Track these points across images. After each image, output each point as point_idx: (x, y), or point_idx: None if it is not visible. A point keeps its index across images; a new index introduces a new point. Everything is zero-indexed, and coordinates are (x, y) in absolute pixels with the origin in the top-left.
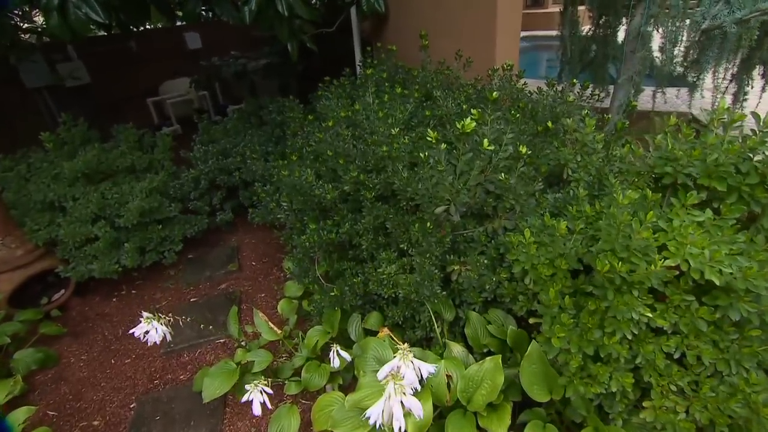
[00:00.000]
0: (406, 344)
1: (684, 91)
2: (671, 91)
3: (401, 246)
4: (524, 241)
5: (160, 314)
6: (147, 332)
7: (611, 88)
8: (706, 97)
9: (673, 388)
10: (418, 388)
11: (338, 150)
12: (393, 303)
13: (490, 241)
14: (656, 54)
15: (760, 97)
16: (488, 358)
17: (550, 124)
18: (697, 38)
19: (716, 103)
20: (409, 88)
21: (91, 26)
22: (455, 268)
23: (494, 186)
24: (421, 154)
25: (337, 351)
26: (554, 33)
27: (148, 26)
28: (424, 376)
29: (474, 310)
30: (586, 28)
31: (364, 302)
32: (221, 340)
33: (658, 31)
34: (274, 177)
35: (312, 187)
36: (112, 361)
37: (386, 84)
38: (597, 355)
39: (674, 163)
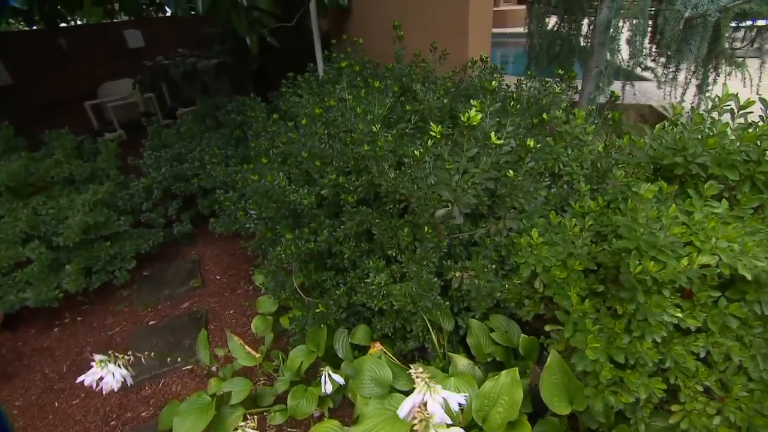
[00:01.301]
0: (420, 368)
1: (639, 85)
2: (624, 84)
3: (389, 252)
4: (532, 242)
5: (116, 354)
6: (101, 378)
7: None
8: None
9: (700, 388)
10: (449, 422)
11: (314, 151)
12: (380, 313)
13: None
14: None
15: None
16: (504, 372)
17: (545, 116)
18: (679, 27)
19: (674, 97)
20: (381, 82)
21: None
22: (456, 274)
23: (500, 184)
24: (415, 152)
25: (329, 374)
26: (508, 30)
27: (79, 21)
28: (454, 408)
29: (474, 317)
30: (552, 22)
31: (348, 314)
32: (188, 367)
33: (625, 24)
34: (239, 183)
35: (285, 193)
36: (56, 404)
37: (358, 78)
38: (624, 361)
39: (684, 153)
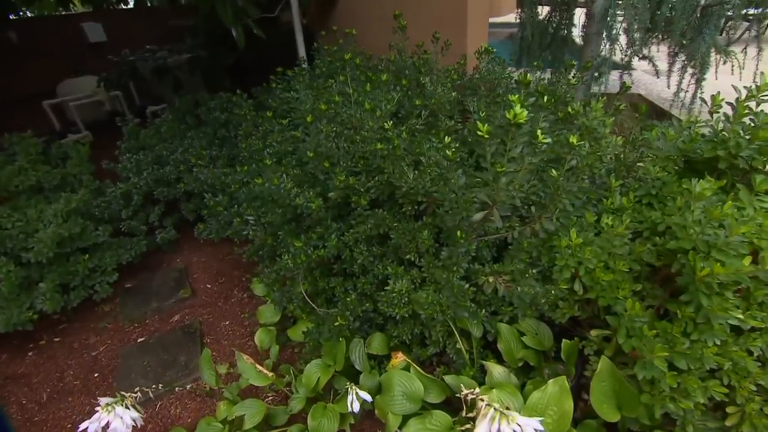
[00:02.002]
0: (477, 390)
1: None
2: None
3: (408, 257)
4: (571, 243)
5: (123, 393)
6: (107, 425)
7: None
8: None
9: (753, 387)
10: None
11: (320, 150)
12: (396, 320)
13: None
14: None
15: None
16: (551, 381)
17: (571, 109)
18: (696, 16)
19: (674, 87)
20: (387, 75)
21: None
22: (489, 279)
23: (543, 185)
24: (448, 152)
25: (357, 392)
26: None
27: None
28: None
29: (502, 321)
30: (544, 12)
31: (360, 322)
32: (187, 386)
33: (621, 13)
34: (231, 186)
35: (291, 196)
36: None
37: (358, 72)
38: (686, 367)
39: (726, 146)
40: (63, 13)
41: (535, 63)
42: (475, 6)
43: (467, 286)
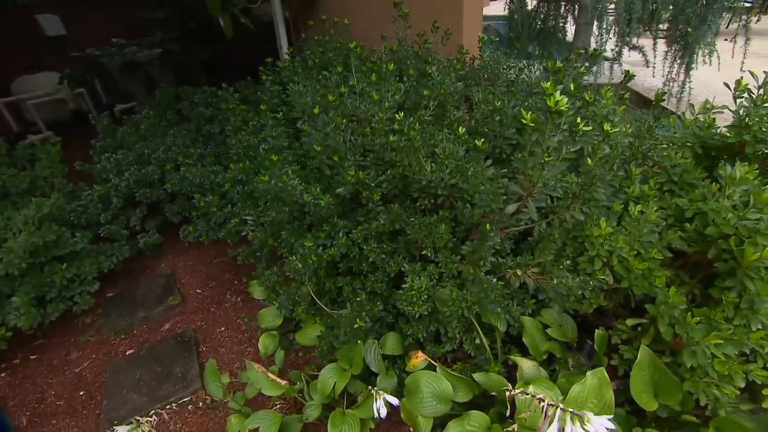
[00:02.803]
0: (531, 389)
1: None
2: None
3: (423, 252)
4: (602, 232)
5: (138, 419)
6: None
7: None
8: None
9: None
10: None
11: (329, 144)
12: (406, 317)
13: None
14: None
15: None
16: (590, 374)
17: (587, 96)
18: (703, 3)
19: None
20: (393, 65)
21: None
22: (518, 272)
23: (578, 174)
24: (477, 142)
25: (384, 398)
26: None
27: None
28: None
29: (525, 314)
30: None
31: (372, 321)
32: (185, 399)
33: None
34: (224, 185)
35: (298, 194)
36: None
37: (358, 62)
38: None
39: (751, 131)
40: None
41: (537, 53)
42: None
43: (494, 280)
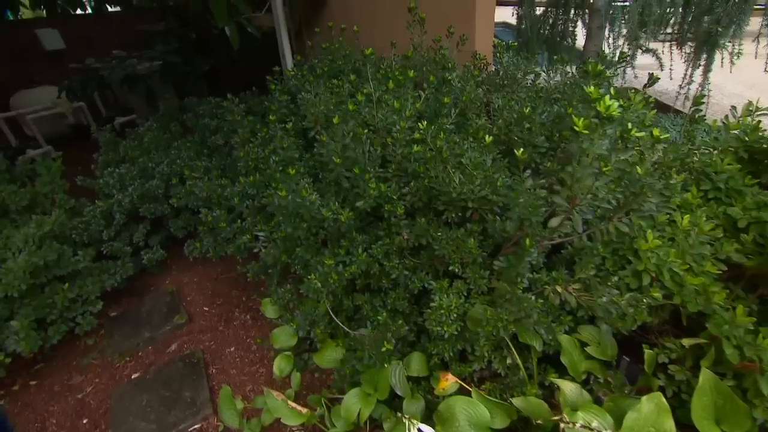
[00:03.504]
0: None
1: None
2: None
3: (451, 268)
4: (649, 245)
5: None
6: None
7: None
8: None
9: None
10: None
11: (349, 155)
12: (428, 335)
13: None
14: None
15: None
16: (646, 398)
17: (623, 101)
18: (735, 1)
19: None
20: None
21: None
22: (557, 289)
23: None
24: (517, 152)
25: (419, 428)
26: None
27: None
28: None
29: (563, 331)
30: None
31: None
32: (196, 426)
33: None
34: (233, 199)
35: (317, 209)
36: None
37: (376, 70)
38: None
39: None
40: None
41: (556, 57)
42: (483, 2)
43: (532, 298)
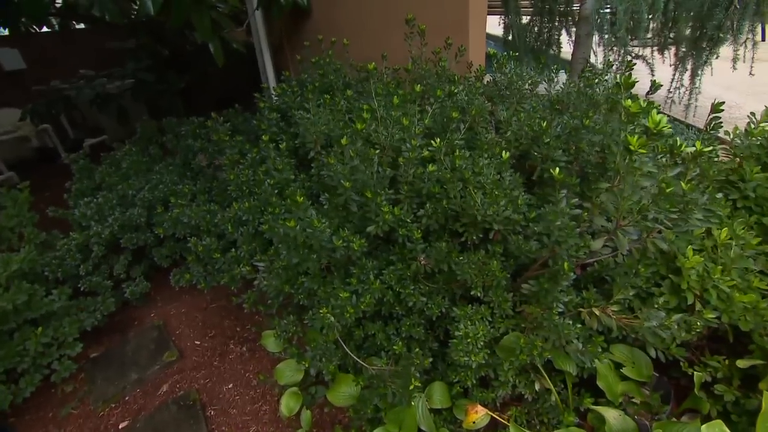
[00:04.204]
0: None
1: None
2: None
3: (473, 293)
4: (691, 261)
5: None
6: None
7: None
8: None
9: None
10: None
11: (360, 178)
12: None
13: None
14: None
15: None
16: (705, 427)
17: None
18: (735, 7)
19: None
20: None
21: None
22: (594, 312)
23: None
24: (552, 170)
25: None
26: None
27: None
28: None
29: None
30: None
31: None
32: None
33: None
34: (227, 226)
35: (326, 237)
36: None
37: (373, 85)
38: None
39: None
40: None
41: (556, 66)
42: (476, 11)
43: (569, 322)
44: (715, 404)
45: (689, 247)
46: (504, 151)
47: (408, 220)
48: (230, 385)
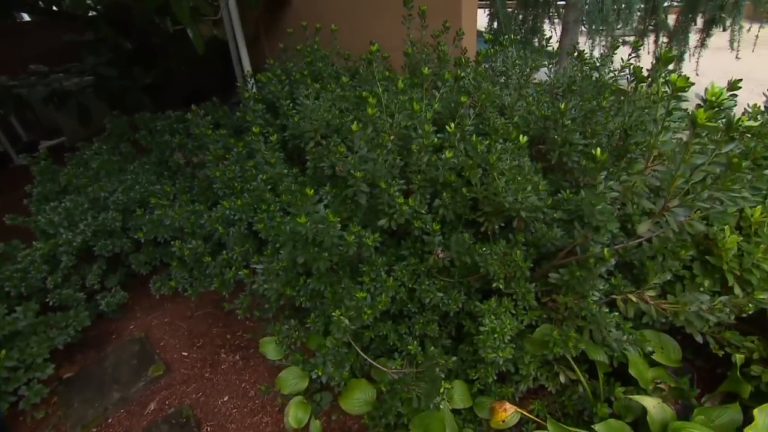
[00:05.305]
0: None
1: None
2: None
3: (495, 285)
4: (730, 242)
5: None
6: None
7: None
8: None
9: None
10: None
11: (367, 168)
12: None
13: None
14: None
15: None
16: (758, 410)
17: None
18: None
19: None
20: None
21: None
22: (631, 298)
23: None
24: (594, 152)
25: None
26: None
27: None
28: None
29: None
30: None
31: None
32: None
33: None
34: (217, 227)
35: (335, 233)
36: None
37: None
38: None
39: None
40: None
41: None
42: None
43: (606, 310)
44: (750, 382)
45: (726, 226)
46: (522, 135)
47: (422, 211)
48: (225, 398)
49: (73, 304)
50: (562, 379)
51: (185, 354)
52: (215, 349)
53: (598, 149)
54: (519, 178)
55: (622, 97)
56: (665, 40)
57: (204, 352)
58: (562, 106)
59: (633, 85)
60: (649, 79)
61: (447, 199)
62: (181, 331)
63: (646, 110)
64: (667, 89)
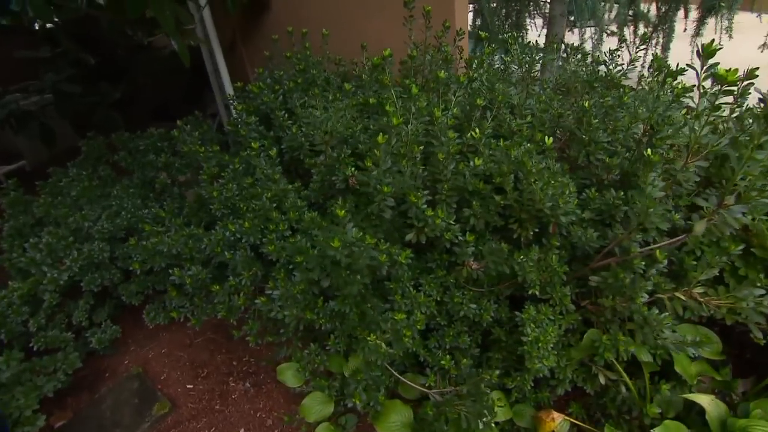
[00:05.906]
0: None
1: None
2: None
3: (531, 292)
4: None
5: None
6: None
7: None
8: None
9: None
10: None
11: (392, 181)
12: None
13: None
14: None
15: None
16: None
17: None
18: None
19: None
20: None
21: None
22: (680, 296)
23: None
24: (649, 152)
25: None
26: None
27: None
28: None
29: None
30: None
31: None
32: None
33: None
34: (222, 252)
35: (364, 252)
36: None
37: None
38: None
39: None
40: None
41: (555, 43)
42: None
43: (656, 311)
44: None
45: (765, 217)
46: (547, 137)
47: (451, 222)
48: (242, 430)
49: (60, 345)
50: (602, 380)
51: (190, 386)
52: (222, 377)
53: (649, 150)
54: (553, 182)
55: (638, 92)
56: (647, 30)
57: (210, 382)
58: (587, 104)
59: (656, 78)
60: (658, 74)
61: (477, 207)
62: (182, 362)
63: (674, 104)
64: (704, 85)
